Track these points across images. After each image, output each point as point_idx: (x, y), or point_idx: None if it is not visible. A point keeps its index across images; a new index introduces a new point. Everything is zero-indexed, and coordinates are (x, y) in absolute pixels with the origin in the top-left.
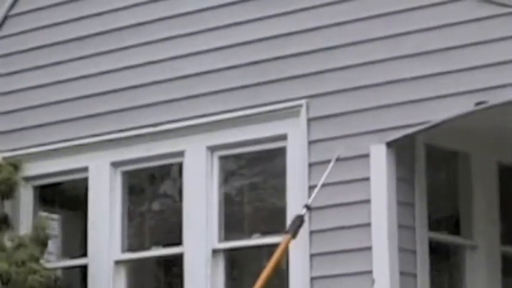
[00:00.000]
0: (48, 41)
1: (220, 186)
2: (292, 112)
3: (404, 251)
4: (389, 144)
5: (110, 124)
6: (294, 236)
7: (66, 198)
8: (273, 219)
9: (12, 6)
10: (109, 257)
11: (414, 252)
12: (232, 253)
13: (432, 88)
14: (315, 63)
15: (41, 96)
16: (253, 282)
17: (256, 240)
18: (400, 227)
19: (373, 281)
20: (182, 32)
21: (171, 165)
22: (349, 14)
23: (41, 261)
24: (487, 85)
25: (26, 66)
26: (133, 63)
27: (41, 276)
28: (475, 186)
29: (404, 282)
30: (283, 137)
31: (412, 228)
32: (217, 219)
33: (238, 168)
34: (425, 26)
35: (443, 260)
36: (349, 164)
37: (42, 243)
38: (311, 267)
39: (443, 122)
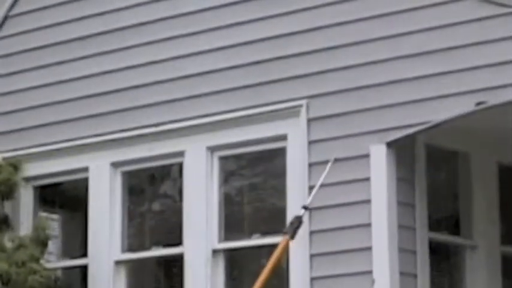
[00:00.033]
0: (49, 41)
1: (220, 186)
2: (292, 112)
3: (405, 251)
4: (389, 145)
5: (110, 124)
6: (292, 237)
7: (67, 199)
8: (273, 219)
9: (12, 6)
10: (109, 257)
11: (414, 252)
12: (232, 253)
13: (433, 88)
14: (317, 63)
15: (41, 96)
16: (253, 282)
17: (256, 241)
18: (400, 227)
19: (373, 281)
20: (184, 31)
21: (171, 165)
22: (350, 14)
23: (41, 261)
24: (488, 85)
25: (26, 66)
26: (135, 63)
27: (41, 276)
28: (475, 186)
29: (405, 282)
30: (283, 137)
31: (412, 229)
32: (217, 220)
33: (238, 169)
34: (426, 26)
35: (444, 260)
36: (350, 164)
37: (43, 244)
38: (311, 267)
39: (444, 122)
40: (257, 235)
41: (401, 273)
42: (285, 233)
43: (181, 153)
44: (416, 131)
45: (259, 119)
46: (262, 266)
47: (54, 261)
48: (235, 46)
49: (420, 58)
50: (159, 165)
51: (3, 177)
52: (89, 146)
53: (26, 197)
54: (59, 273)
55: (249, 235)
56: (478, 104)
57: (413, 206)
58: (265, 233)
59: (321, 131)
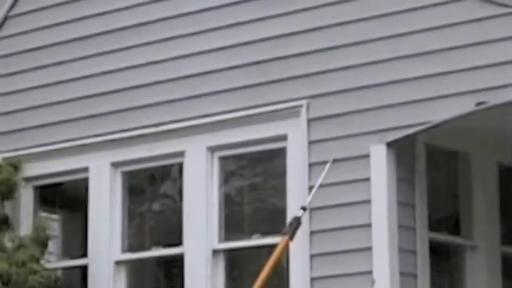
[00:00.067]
0: (49, 42)
1: (220, 186)
2: (292, 112)
3: (405, 252)
4: (389, 145)
5: (111, 124)
6: (291, 237)
7: (67, 199)
8: (273, 219)
9: (12, 6)
10: (109, 257)
11: (414, 252)
12: (232, 253)
13: (433, 88)
14: (317, 63)
15: (41, 96)
16: (253, 282)
17: (257, 241)
18: (401, 227)
19: (373, 282)
20: (184, 32)
21: (171, 165)
22: (351, 14)
23: (41, 261)
24: (489, 85)
25: (27, 66)
26: (135, 63)
27: (41, 276)
28: (475, 186)
29: (405, 282)
30: (284, 138)
31: (413, 229)
32: (217, 220)
33: (238, 169)
34: (426, 26)
35: (444, 261)
36: (350, 164)
37: (43, 244)
38: (311, 267)
39: (444, 122)
40: (257, 235)
41: (402, 274)
42: (284, 234)
43: (181, 154)
44: (417, 131)
45: (259, 119)
46: (263, 266)
47: (54, 261)
48: (236, 46)
49: (420, 58)
50: (159, 165)
51: (4, 177)
52: (89, 146)
53: (26, 197)
54: (59, 273)
55: (249, 235)
56: (478, 104)
57: (413, 206)
58: (265, 233)
59: (321, 131)
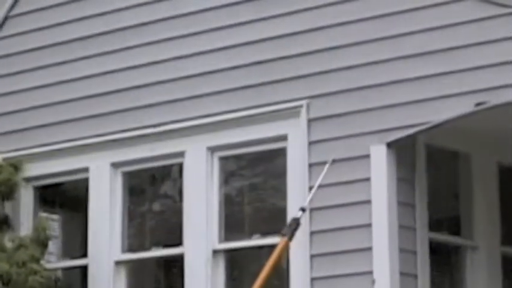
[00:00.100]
0: (50, 42)
1: (220, 186)
2: (292, 112)
3: (405, 252)
4: (389, 145)
5: (112, 124)
6: (290, 239)
7: (67, 199)
8: (273, 219)
9: (12, 6)
10: (109, 257)
11: (415, 252)
12: (232, 254)
13: (435, 88)
14: (318, 63)
15: (42, 96)
16: (254, 282)
17: (257, 241)
18: (401, 227)
19: (373, 282)
20: (185, 32)
21: (171, 165)
22: (352, 14)
23: (42, 261)
24: (490, 85)
25: (27, 66)
26: (136, 63)
27: (42, 276)
28: (475, 186)
29: (405, 282)
30: (284, 138)
31: (413, 229)
32: (217, 220)
33: (238, 169)
34: (427, 26)
35: (444, 261)
36: (350, 164)
37: (43, 244)
38: (311, 267)
39: (444, 123)
40: (257, 235)
41: (402, 274)
42: (283, 235)
43: (181, 154)
44: (417, 131)
45: (259, 119)
46: (263, 267)
47: (54, 261)
48: (237, 46)
49: (421, 58)
50: (160, 165)
51: (4, 177)
52: (90, 146)
53: (27, 197)
54: (59, 273)
55: (250, 235)
56: (478, 104)
57: (413, 206)
58: (265, 234)
59: (321, 131)
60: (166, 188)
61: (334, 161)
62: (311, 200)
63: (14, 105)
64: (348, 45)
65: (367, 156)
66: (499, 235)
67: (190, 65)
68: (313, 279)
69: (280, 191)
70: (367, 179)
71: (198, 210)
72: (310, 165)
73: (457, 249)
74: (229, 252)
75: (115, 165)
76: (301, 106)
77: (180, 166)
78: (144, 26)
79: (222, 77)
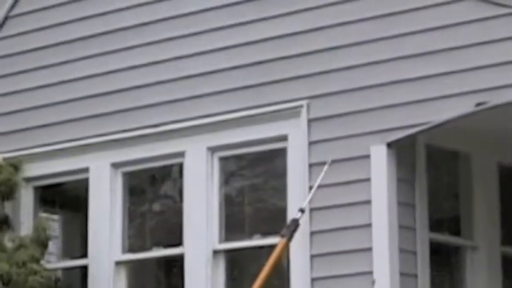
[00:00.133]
0: (50, 42)
1: (220, 187)
2: (292, 113)
3: (405, 252)
4: (389, 145)
5: (112, 124)
6: (289, 240)
7: (67, 199)
8: (273, 220)
9: (13, 6)
10: (109, 257)
11: (415, 253)
12: (232, 254)
13: (436, 88)
14: (319, 64)
15: (43, 96)
16: (254, 283)
17: (257, 241)
18: (401, 227)
19: (373, 282)
20: (186, 32)
21: (171, 166)
22: (352, 14)
23: (42, 262)
24: (491, 85)
25: (27, 66)
26: (136, 63)
27: (42, 277)
28: (475, 187)
29: (405, 283)
30: (284, 138)
31: (413, 229)
32: (217, 220)
33: (238, 169)
34: (428, 26)
35: (444, 261)
36: (350, 164)
37: (43, 244)
38: (312, 268)
39: (444, 123)
40: (258, 236)
41: (402, 274)
42: (282, 236)
43: (181, 154)
44: (417, 131)
45: (259, 120)
46: (263, 267)
47: (54, 261)
48: (237, 46)
49: (422, 58)
50: (160, 165)
51: (4, 177)
52: (90, 147)
53: (27, 197)
54: (60, 273)
55: (250, 236)
56: (478, 104)
57: (413, 207)
58: (265, 234)
59: (321, 132)
60: (167, 188)
61: (334, 161)
62: (311, 200)
63: (14, 105)
64: (348, 45)
65: (367, 156)
66: (499, 235)
67: (190, 65)
68: (313, 280)
69: (281, 191)
70: (367, 179)
71: (198, 211)
72: (311, 166)
73: (457, 250)
74: (229, 253)
75: (115, 166)
76: (301, 106)
77: (180, 166)
78: (144, 26)
79: (223, 77)
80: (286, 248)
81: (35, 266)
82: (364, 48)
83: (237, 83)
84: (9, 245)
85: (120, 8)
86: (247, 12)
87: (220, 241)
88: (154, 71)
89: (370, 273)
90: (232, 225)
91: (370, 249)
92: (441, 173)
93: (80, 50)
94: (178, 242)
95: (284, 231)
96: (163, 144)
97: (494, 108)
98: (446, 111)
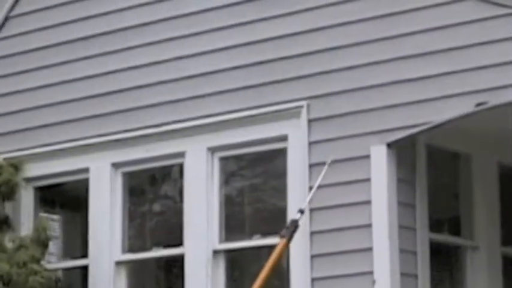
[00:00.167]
0: (51, 42)
1: (220, 187)
2: (293, 113)
3: (405, 252)
4: (390, 145)
5: (113, 124)
6: (289, 240)
7: (67, 199)
8: (273, 220)
9: (13, 6)
10: (110, 257)
11: (415, 253)
12: (232, 254)
13: (436, 88)
14: (319, 64)
15: (43, 96)
16: (254, 283)
17: (257, 241)
18: (401, 227)
19: (373, 282)
20: (187, 32)
21: (171, 166)
22: (353, 14)
23: (42, 262)
24: (491, 85)
25: (28, 67)
26: (138, 63)
27: (42, 277)
28: (475, 187)
29: (405, 283)
30: (284, 138)
31: (413, 229)
32: (217, 220)
33: (238, 169)
34: (429, 26)
35: (444, 261)
36: (350, 165)
37: (43, 244)
38: (312, 268)
39: (444, 123)
40: (258, 236)
41: (402, 274)
42: (282, 237)
43: (181, 154)
44: (417, 131)
45: (259, 120)
46: (263, 267)
47: (54, 262)
48: (238, 46)
49: (423, 58)
50: (160, 166)
51: (4, 178)
52: (90, 147)
53: (27, 197)
54: (60, 273)
55: (250, 236)
56: (478, 104)
57: (413, 207)
58: (265, 234)
59: (321, 132)
60: (167, 188)
61: (334, 162)
62: (311, 201)
63: (15, 106)
64: (348, 46)
65: (368, 156)
66: (499, 235)
67: (191, 65)
68: (313, 280)
69: (281, 191)
70: (368, 180)
71: (198, 211)
72: (311, 166)
73: (457, 250)
74: (229, 253)
75: (115, 166)
76: (301, 106)
77: (181, 166)
78: (145, 26)
79: (223, 77)
80: (286, 248)
81: (35, 266)
82: (365, 49)
83: (237, 83)
84: (9, 245)
85: (121, 8)
86: (248, 13)
87: (221, 241)
88: (155, 71)
89: (371, 273)
90: (232, 226)
91: (370, 249)
92: (441, 173)
93: (80, 50)
94: (179, 242)
95: (284, 232)
96: (164, 144)
97: (494, 108)
98: (447, 111)
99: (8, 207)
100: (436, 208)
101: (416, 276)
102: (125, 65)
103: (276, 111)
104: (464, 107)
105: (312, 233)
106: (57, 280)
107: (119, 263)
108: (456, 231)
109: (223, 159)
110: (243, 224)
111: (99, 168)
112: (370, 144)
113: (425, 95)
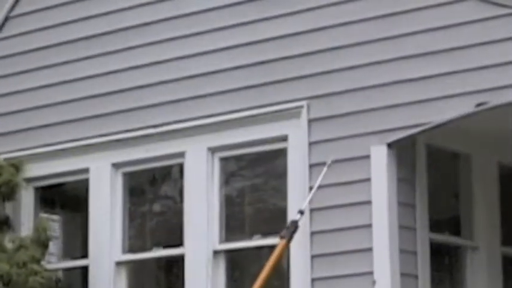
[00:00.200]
0: (51, 42)
1: (221, 187)
2: (293, 113)
3: (405, 252)
4: (390, 145)
5: (113, 125)
6: (289, 241)
7: (67, 200)
8: (273, 220)
9: (13, 7)
10: (110, 258)
11: (415, 253)
12: (233, 254)
13: (437, 88)
14: (320, 64)
15: (44, 96)
16: (254, 283)
17: (257, 241)
18: (401, 228)
19: (374, 282)
20: (188, 32)
21: (171, 166)
22: (354, 14)
23: (42, 262)
24: (493, 85)
25: (29, 67)
26: (139, 63)
27: (42, 277)
28: (475, 187)
29: (405, 283)
30: (284, 138)
31: (413, 229)
32: (218, 221)
33: (238, 170)
34: (430, 26)
35: (444, 261)
36: (350, 165)
37: (43, 245)
38: (312, 268)
39: (444, 123)
40: (258, 236)
41: (402, 274)
42: (282, 238)
43: (181, 154)
44: (417, 132)
45: (260, 120)
46: (263, 267)
47: (55, 262)
48: (239, 46)
49: (424, 58)
50: (160, 166)
51: (5, 178)
52: (90, 147)
53: (27, 198)
54: (60, 274)
55: (250, 236)
56: (478, 105)
57: (413, 207)
58: (266, 234)
59: (321, 132)
60: (167, 188)
61: (334, 162)
62: (311, 201)
63: (15, 106)
64: (350, 46)
65: (368, 156)
66: (499, 235)
67: (192, 65)
68: (313, 280)
69: (281, 191)
70: (368, 180)
71: (198, 211)
72: (311, 166)
73: (457, 250)
74: (229, 253)
75: (115, 166)
76: (301, 107)
77: (181, 167)
78: (146, 26)
79: (224, 77)
80: (285, 249)
81: (35, 267)
82: (366, 48)
83: (238, 83)
84: (9, 245)
85: (122, 8)
86: (249, 13)
87: (221, 241)
88: (156, 71)
89: (371, 273)
90: (232, 226)
91: (370, 249)
92: (441, 173)
93: (81, 50)
94: (179, 243)
95: (284, 232)
96: (164, 144)
97: (494, 108)
98: (448, 111)
99: (8, 208)
100: (436, 208)
101: (416, 276)
102: (126, 65)
103: (277, 111)
104: (465, 107)
105: (312, 233)
106: (57, 280)
107: (119, 263)
108: (456, 231)
109: (223, 160)
110: (243, 224)
111: (99, 168)
112: (370, 144)
113: (426, 95)
